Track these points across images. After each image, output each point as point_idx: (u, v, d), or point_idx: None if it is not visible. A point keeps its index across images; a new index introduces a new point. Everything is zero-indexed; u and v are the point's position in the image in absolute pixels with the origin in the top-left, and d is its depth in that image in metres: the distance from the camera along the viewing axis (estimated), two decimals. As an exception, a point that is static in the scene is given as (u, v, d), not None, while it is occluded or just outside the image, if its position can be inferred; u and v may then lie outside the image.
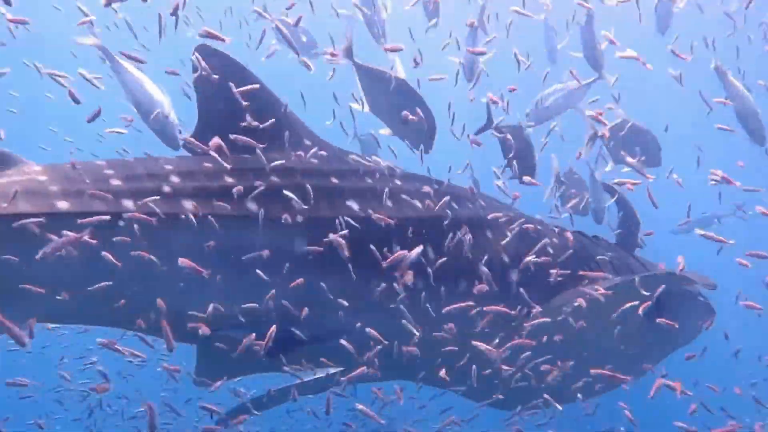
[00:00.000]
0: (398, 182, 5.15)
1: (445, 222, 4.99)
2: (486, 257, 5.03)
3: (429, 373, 5.15)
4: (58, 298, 4.00)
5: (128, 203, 4.22)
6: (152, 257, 4.11)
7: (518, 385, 5.20)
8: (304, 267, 4.53)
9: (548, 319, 4.95)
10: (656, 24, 8.81)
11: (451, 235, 4.96)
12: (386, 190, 4.95)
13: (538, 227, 5.60)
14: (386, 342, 4.63)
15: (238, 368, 4.72)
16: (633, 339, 5.42)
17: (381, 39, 7.40)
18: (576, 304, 4.96)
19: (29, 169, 4.29)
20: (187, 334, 4.52)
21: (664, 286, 5.09)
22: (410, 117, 5.28)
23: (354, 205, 4.82)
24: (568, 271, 5.26)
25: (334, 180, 4.91)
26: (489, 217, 5.38)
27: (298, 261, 4.53)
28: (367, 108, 5.80)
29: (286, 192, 4.57)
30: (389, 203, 4.92)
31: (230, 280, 4.36)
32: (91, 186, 4.20)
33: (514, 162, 6.11)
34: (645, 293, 4.99)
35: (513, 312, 4.88)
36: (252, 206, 4.51)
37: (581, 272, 5.31)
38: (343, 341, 4.60)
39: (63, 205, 4.07)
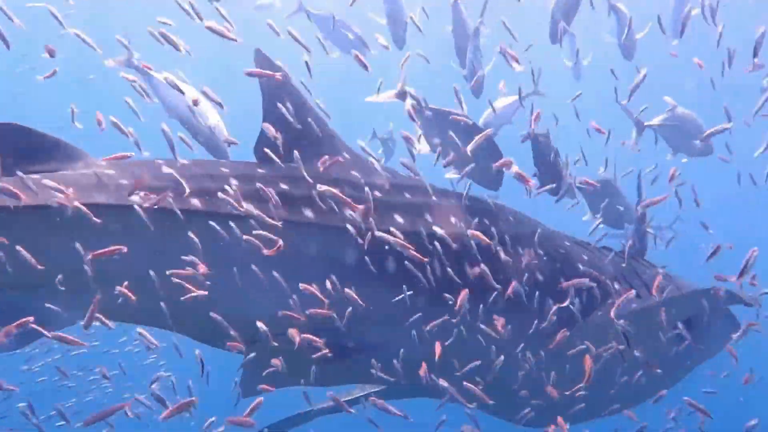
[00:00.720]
0: (434, 198, 5.18)
1: (481, 238, 5.02)
2: (519, 274, 5.09)
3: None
4: (119, 293, 3.99)
5: (195, 201, 4.29)
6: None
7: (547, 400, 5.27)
8: (352, 277, 4.59)
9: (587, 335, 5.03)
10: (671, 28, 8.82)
11: (487, 251, 4.99)
12: (427, 205, 5.03)
13: (567, 243, 5.67)
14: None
15: (285, 380, 4.74)
16: (660, 353, 5.51)
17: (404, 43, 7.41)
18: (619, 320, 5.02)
19: (94, 162, 4.36)
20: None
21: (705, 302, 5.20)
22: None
23: (399, 219, 4.87)
24: (597, 288, 5.30)
25: (378, 193, 4.95)
26: (520, 233, 5.41)
27: (347, 270, 4.60)
28: (426, 148, 5.72)
29: (341, 201, 4.62)
30: (429, 218, 4.98)
31: (282, 285, 4.38)
32: (157, 183, 4.25)
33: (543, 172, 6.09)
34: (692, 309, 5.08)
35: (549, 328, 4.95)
36: (308, 213, 4.57)
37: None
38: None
39: (135, 198, 4.13)
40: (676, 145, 7.11)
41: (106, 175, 4.21)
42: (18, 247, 3.77)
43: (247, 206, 4.34)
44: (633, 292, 5.36)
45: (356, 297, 4.45)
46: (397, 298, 4.65)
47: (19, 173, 3.95)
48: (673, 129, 6.88)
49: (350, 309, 4.49)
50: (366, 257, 4.60)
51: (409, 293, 4.66)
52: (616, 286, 5.55)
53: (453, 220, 5.09)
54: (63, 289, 3.88)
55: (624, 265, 5.87)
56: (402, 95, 5.54)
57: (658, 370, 5.35)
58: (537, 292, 5.17)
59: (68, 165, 4.25)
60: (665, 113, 6.95)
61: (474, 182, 5.53)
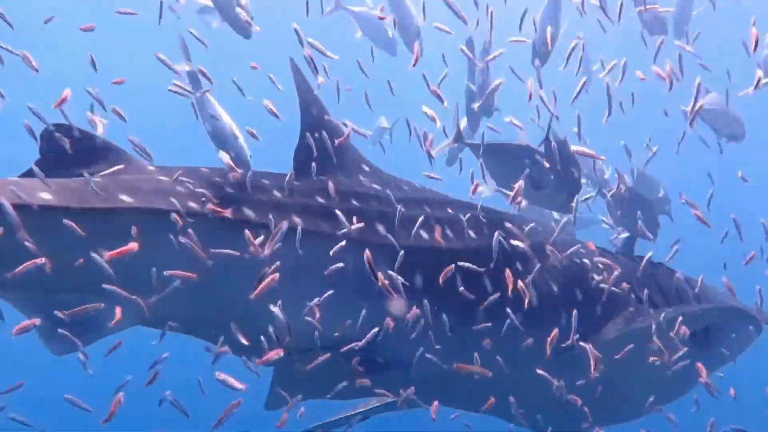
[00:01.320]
0: (450, 210, 5.20)
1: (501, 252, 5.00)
2: (539, 285, 5.13)
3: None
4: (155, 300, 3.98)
5: (249, 212, 4.32)
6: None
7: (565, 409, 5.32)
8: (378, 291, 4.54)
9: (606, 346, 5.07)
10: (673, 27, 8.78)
11: (507, 264, 4.99)
12: (446, 218, 5.06)
13: (583, 251, 5.67)
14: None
15: (313, 392, 4.77)
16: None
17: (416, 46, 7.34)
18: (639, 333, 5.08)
19: (146, 168, 4.37)
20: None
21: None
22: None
23: (424, 234, 4.88)
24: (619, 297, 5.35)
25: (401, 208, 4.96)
26: (539, 243, 5.40)
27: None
28: (489, 190, 5.68)
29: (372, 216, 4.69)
30: (449, 232, 5.00)
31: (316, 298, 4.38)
32: (210, 192, 4.27)
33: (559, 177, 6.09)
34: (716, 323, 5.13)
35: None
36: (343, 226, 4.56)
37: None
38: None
39: (193, 205, 4.15)
40: (718, 129, 7.16)
41: (163, 182, 4.22)
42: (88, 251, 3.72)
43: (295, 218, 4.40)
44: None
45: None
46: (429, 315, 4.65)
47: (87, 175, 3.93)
48: (716, 112, 6.92)
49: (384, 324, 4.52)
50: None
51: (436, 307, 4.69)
52: (635, 294, 5.57)
53: (473, 233, 5.11)
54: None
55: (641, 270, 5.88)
56: (459, 139, 5.62)
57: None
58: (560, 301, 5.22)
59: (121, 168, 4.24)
60: (704, 97, 6.96)
61: (544, 207, 5.55)
